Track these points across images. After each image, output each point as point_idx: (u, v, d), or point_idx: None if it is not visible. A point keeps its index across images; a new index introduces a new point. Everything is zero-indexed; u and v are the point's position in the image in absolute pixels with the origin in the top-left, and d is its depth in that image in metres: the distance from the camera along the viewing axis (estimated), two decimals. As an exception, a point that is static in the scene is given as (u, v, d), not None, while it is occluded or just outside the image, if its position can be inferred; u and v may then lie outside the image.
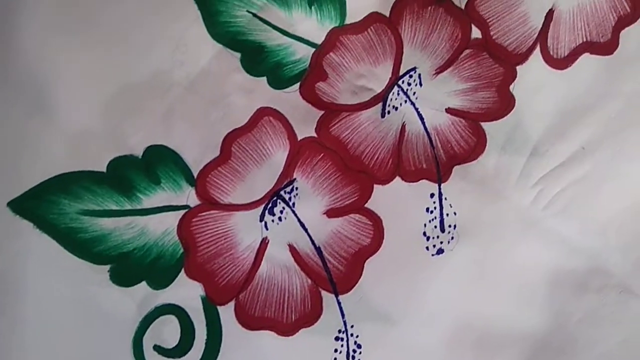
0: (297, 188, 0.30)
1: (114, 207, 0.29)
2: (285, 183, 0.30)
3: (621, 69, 0.30)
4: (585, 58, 0.31)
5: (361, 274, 0.30)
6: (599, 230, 0.30)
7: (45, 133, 0.29)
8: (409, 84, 0.31)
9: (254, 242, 0.30)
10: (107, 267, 0.29)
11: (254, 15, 0.30)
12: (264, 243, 0.30)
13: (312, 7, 0.30)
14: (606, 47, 0.31)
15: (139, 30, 0.30)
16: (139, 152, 0.29)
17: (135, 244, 0.29)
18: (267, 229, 0.30)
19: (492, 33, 0.30)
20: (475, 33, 0.31)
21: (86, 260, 0.29)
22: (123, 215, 0.29)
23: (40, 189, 0.29)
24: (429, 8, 0.30)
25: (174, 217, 0.29)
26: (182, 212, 0.29)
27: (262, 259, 0.30)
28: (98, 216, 0.29)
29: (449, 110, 0.31)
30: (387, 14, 0.30)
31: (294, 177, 0.30)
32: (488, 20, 0.30)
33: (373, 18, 0.30)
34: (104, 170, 0.29)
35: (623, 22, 0.30)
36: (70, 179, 0.29)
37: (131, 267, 0.29)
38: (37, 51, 0.29)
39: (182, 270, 0.29)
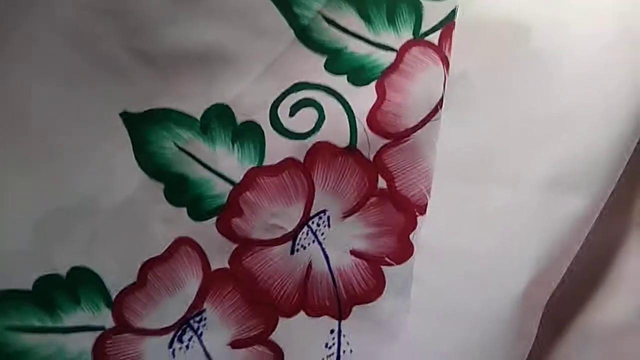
0: (205, 318, 0.32)
1: (37, 324, 0.31)
2: (195, 312, 0.32)
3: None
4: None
5: (259, 407, 0.32)
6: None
7: None
8: (318, 225, 0.33)
9: (160, 370, 0.32)
10: (24, 386, 0.31)
11: (180, 148, 0.32)
12: (170, 372, 0.32)
13: (235, 145, 0.32)
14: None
15: (69, 153, 0.31)
16: (63, 272, 0.31)
17: (52, 362, 0.31)
18: (174, 356, 0.32)
19: (396, 184, 0.32)
20: (382, 183, 0.32)
21: None
22: (44, 332, 0.31)
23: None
24: (340, 158, 0.32)
25: (90, 338, 0.31)
26: (98, 333, 0.31)
27: (166, 388, 0.32)
28: (22, 332, 0.31)
29: (353, 252, 0.33)
30: (302, 160, 0.32)
31: (204, 307, 0.32)
32: (393, 173, 0.32)
33: (288, 163, 0.32)
34: (30, 288, 0.31)
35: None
36: None
37: (47, 387, 0.31)
38: None
39: (95, 394, 0.31)
